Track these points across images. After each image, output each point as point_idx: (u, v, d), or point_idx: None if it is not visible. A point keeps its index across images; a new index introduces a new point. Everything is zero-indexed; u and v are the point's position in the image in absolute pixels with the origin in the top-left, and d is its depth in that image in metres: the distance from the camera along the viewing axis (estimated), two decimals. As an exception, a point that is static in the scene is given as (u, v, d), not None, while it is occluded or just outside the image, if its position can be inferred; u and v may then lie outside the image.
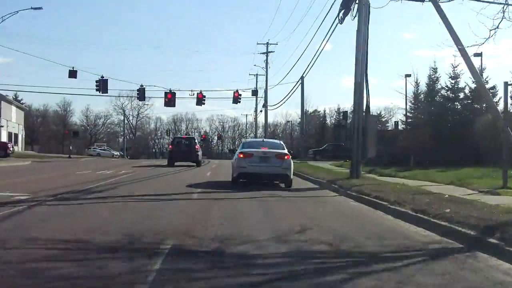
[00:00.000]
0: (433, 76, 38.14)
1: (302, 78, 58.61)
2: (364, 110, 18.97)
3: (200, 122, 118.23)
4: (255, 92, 60.67)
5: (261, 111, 70.51)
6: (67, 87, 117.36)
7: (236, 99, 53.50)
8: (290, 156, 17.78)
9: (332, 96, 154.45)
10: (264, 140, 22.95)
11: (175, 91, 51.02)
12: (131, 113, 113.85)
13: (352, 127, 19.74)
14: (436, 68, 36.93)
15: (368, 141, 18.61)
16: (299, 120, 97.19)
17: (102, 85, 46.81)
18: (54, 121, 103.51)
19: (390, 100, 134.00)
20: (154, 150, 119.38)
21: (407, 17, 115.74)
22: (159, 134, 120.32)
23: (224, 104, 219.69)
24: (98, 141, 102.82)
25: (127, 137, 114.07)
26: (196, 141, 39.12)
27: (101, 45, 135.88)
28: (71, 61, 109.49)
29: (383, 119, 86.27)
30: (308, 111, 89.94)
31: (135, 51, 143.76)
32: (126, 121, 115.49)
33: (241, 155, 17.20)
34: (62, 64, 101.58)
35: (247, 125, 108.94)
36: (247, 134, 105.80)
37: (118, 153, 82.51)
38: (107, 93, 47.76)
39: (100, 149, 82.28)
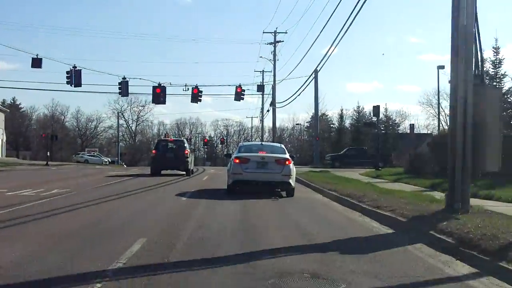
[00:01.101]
0: (494, 59, 28.93)
1: (315, 71, 50.39)
2: (474, 78, 9.72)
3: (204, 127, 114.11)
4: (261, 87, 51.62)
5: (268, 110, 61.43)
6: (57, 82, 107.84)
7: (239, 95, 45.04)
8: (292, 162, 15.91)
9: (338, 101, 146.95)
10: (263, 143, 21.30)
11: (166, 85, 42.48)
12: (130, 117, 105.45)
13: (450, 112, 10.33)
14: (498, 48, 27.66)
15: (487, 141, 9.38)
16: (307, 124, 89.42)
17: (75, 77, 38.33)
18: (42, 124, 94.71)
19: (401, 105, 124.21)
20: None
21: (413, 21, 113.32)
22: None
23: (228, 105, 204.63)
24: (90, 146, 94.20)
25: (128, 142, 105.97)
26: (186, 144, 30.19)
27: (86, 34, 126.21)
28: (61, 56, 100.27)
29: (395, 122, 76.81)
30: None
31: (128, 41, 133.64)
32: (125, 125, 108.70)
33: (237, 161, 15.60)
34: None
35: (253, 129, 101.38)
36: (253, 139, 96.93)
37: (108, 160, 73.57)
38: (80, 86, 39.15)
39: (88, 155, 73.55)
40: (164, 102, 43.00)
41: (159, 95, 41.75)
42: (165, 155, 28.66)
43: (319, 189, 17.44)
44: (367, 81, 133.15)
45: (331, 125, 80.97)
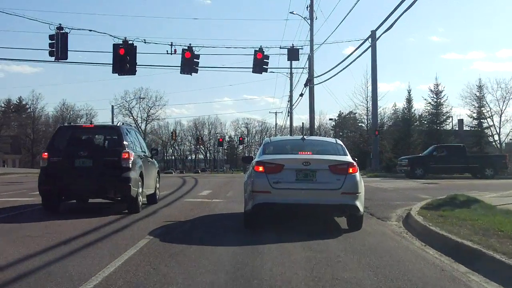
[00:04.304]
0: None
1: (373, 34, 33.47)
2: None
3: (224, 126, 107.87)
4: (292, 54, 33.58)
5: (301, 94, 43.48)
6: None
7: (260, 65, 27.99)
8: (358, 169, 8.88)
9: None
10: (306, 138, 10.90)
11: (134, 42, 25.52)
12: (139, 115, 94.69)
13: None
14: None
15: None
16: (333, 122, 73.60)
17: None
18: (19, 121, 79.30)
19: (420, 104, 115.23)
20: (173, 157, 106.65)
21: (435, 19, 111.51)
22: (180, 140, 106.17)
23: (249, 106, 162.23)
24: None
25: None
26: (126, 141, 11.39)
27: None
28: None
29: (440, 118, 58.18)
30: (342, 113, 73.98)
31: None
32: (134, 125, 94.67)
33: (261, 168, 8.74)
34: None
35: (277, 127, 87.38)
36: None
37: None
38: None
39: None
40: (132, 72, 25.94)
41: (123, 58, 24.71)
42: (72, 162, 11.37)
43: None
44: (390, 81, 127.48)
45: (360, 124, 67.70)
